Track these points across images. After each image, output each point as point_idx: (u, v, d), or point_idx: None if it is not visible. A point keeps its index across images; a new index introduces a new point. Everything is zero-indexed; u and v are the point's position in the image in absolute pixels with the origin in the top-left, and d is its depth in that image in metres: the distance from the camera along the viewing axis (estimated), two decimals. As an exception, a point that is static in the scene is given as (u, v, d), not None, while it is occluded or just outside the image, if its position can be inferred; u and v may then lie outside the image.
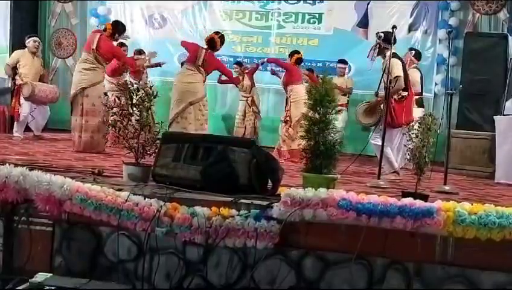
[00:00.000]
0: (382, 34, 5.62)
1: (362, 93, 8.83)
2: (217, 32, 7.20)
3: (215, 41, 6.89)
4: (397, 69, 5.56)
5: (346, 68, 9.07)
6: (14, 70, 7.91)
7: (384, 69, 5.58)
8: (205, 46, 6.88)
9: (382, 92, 5.65)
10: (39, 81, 8.00)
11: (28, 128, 8.06)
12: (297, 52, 7.87)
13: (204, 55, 6.76)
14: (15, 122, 7.87)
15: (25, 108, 7.77)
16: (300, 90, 7.15)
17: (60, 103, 8.60)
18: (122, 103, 4.37)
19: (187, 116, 6.64)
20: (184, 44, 7.19)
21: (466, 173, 6.84)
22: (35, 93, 7.70)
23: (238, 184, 3.80)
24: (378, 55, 5.78)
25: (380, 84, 5.73)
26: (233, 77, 8.19)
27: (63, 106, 9.02)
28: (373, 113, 5.85)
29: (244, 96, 9.24)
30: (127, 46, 8.56)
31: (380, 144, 5.34)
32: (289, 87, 7.52)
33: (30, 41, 7.90)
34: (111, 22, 7.16)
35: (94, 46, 6.66)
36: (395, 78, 5.49)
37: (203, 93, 6.82)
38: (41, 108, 8.05)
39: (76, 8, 10.49)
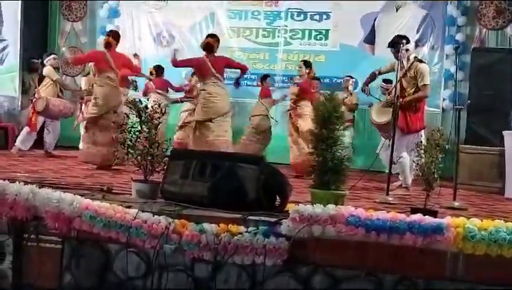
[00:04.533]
0: (405, 40, 5.59)
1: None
2: (211, 36, 7.01)
3: (212, 45, 6.69)
4: (427, 77, 5.65)
5: (351, 81, 9.04)
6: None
7: (405, 72, 5.61)
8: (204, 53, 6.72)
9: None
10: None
11: (37, 146, 8.11)
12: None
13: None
14: (25, 133, 7.86)
15: (38, 122, 7.93)
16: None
17: (68, 121, 8.67)
18: (131, 120, 4.41)
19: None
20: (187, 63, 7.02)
21: (475, 188, 6.80)
22: (49, 107, 7.82)
23: (246, 200, 3.79)
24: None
25: (395, 89, 5.55)
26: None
27: (71, 124, 9.10)
28: (386, 111, 5.79)
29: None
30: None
31: (404, 156, 5.53)
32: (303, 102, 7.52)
33: (51, 59, 8.16)
34: (110, 35, 7.13)
35: (114, 65, 6.80)
36: (424, 85, 5.59)
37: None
38: (53, 124, 8.13)
39: (86, 26, 10.62)
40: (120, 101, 6.83)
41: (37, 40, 10.10)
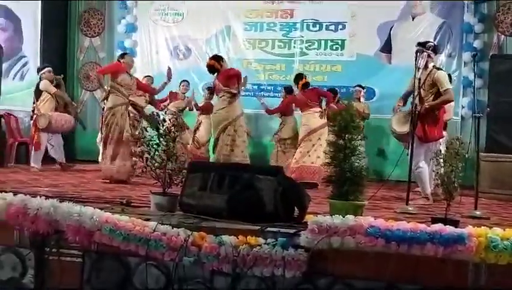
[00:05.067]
0: (432, 44, 5.62)
1: (387, 118, 8.77)
2: (212, 58, 7.33)
3: (213, 65, 7.11)
4: (447, 81, 5.67)
5: (363, 92, 9.04)
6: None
7: (425, 81, 5.59)
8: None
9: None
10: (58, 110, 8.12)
11: (46, 159, 8.16)
12: (302, 76, 8.06)
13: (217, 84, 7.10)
14: (33, 153, 7.88)
15: (42, 139, 7.88)
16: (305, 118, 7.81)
17: (88, 134, 8.77)
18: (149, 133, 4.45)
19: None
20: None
21: (496, 196, 6.70)
22: (51, 124, 7.82)
23: (264, 212, 3.79)
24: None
25: (415, 98, 5.50)
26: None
27: (90, 137, 9.21)
28: (408, 121, 5.65)
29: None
30: (152, 78, 8.84)
31: (422, 166, 5.50)
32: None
33: (45, 72, 8.05)
34: None
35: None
36: (445, 90, 5.57)
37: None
38: (55, 137, 8.10)
39: (104, 41, 10.78)
40: (110, 106, 6.87)
41: (56, 56, 10.25)
